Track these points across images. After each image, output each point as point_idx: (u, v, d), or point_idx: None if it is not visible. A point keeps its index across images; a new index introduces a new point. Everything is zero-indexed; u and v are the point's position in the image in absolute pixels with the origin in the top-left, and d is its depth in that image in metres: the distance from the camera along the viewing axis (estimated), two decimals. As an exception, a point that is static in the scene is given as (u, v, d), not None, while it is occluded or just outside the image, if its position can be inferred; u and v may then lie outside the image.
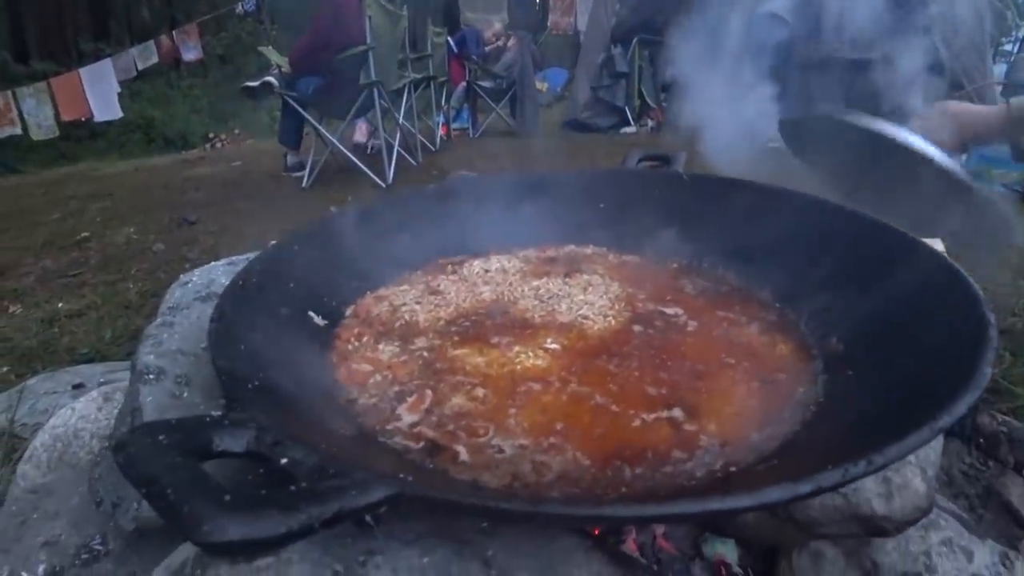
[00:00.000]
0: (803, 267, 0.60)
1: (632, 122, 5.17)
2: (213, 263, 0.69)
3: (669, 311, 0.59)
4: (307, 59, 3.01)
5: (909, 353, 0.41)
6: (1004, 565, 0.55)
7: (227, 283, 0.60)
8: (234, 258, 0.69)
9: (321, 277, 0.65)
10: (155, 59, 6.74)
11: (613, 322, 0.57)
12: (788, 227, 0.65)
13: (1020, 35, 4.11)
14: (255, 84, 3.05)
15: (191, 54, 6.82)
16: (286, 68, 3.14)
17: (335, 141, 3.18)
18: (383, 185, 3.12)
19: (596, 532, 0.41)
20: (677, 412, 0.42)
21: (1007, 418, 0.80)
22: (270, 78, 3.03)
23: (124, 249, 2.48)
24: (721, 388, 0.46)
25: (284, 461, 0.28)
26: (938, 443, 0.55)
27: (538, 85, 5.93)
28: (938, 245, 0.96)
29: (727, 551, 0.57)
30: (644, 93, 5.32)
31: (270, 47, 3.59)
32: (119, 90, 6.25)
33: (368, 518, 0.35)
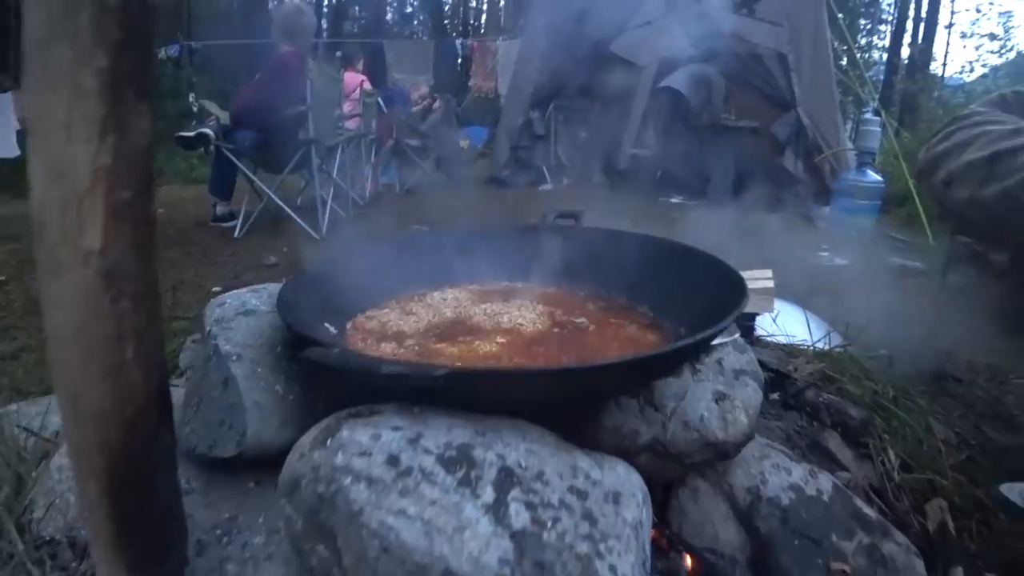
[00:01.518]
0: (666, 287, 0.88)
1: (549, 180, 5.60)
2: (236, 290, 0.85)
3: (578, 320, 0.85)
4: (249, 113, 3.13)
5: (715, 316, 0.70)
6: (811, 476, 0.81)
7: (257, 303, 0.79)
8: (256, 286, 0.86)
9: (325, 300, 0.85)
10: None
11: (540, 326, 0.83)
12: (655, 262, 0.94)
13: (870, 109, 5.01)
14: (190, 134, 3.13)
15: (106, 99, 6.56)
16: (225, 120, 3.24)
17: (271, 193, 3.30)
18: (317, 237, 3.24)
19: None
20: None
21: (829, 396, 1.11)
22: (206, 129, 3.12)
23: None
24: (607, 353, 0.75)
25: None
26: (757, 395, 0.81)
27: (461, 143, 6.30)
28: (767, 273, 1.29)
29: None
30: (559, 153, 5.83)
31: (209, 100, 3.67)
32: (18, 127, 5.90)
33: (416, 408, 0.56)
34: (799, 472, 0.80)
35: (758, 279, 1.25)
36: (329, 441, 0.51)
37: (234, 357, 0.67)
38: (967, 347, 1.56)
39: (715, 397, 0.76)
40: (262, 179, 3.47)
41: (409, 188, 5.24)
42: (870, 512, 0.78)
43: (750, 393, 0.79)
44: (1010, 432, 1.18)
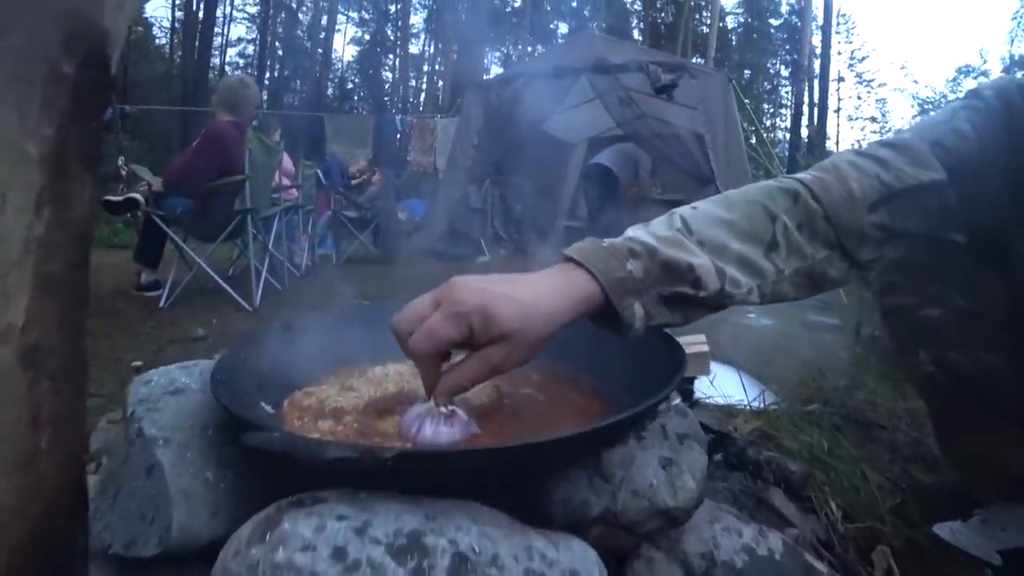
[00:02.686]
0: (605, 356, 0.90)
1: (486, 251, 5.71)
2: (165, 367, 0.80)
3: (524, 391, 0.85)
4: (183, 181, 3.06)
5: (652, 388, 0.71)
6: (761, 536, 0.82)
7: (187, 380, 0.74)
8: (187, 363, 0.82)
9: (260, 377, 0.81)
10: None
11: (486, 399, 0.81)
12: (594, 331, 0.96)
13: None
14: (118, 199, 3.00)
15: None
16: (157, 187, 3.14)
17: (201, 262, 3.17)
18: (249, 309, 3.12)
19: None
20: None
21: (770, 452, 1.15)
22: (136, 195, 3.01)
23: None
24: (556, 423, 0.74)
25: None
26: (703, 459, 0.83)
27: (400, 215, 6.36)
28: (701, 338, 1.36)
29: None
30: (496, 226, 5.99)
31: (139, 165, 3.56)
32: None
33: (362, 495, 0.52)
34: (749, 533, 0.81)
35: (693, 344, 1.31)
36: (268, 535, 0.47)
37: (160, 442, 0.63)
38: (886, 395, 1.67)
39: (662, 463, 0.77)
40: (193, 248, 3.35)
41: (347, 259, 5.18)
42: (820, 567, 0.80)
43: (696, 456, 0.80)
44: (933, 472, 1.26)
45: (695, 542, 0.80)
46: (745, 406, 1.40)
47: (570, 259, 0.60)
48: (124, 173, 3.34)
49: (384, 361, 0.97)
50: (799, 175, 0.72)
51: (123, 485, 0.62)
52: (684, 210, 0.68)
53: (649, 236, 0.62)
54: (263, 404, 0.75)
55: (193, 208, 3.09)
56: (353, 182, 5.72)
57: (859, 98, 21.82)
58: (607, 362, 0.89)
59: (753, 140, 6.39)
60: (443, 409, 0.65)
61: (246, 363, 0.81)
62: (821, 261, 0.67)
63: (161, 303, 3.11)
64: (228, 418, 0.61)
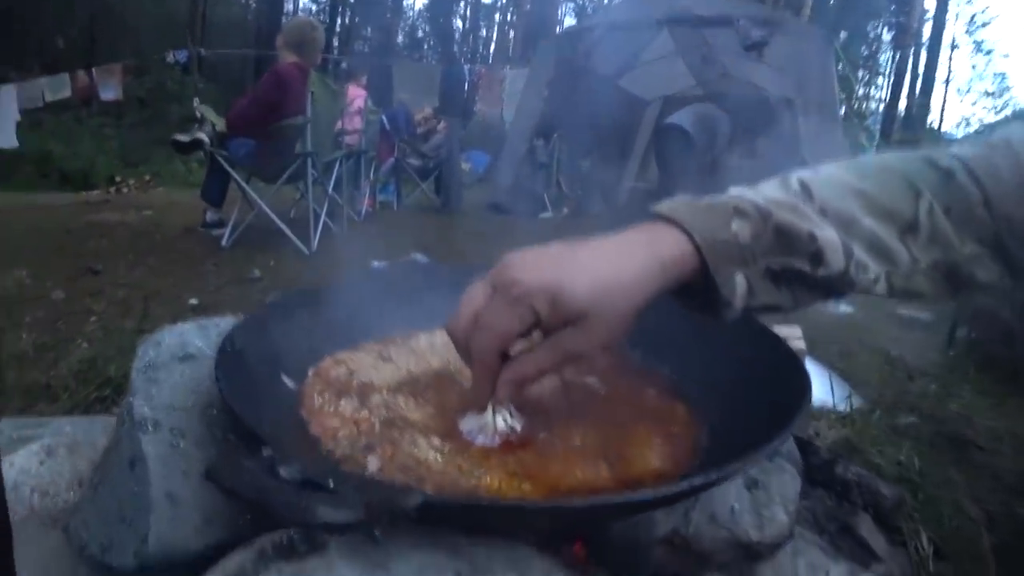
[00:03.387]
0: (689, 348, 0.76)
1: (549, 208, 5.55)
2: (180, 324, 0.74)
3: (588, 379, 0.72)
4: (246, 123, 3.06)
5: (760, 408, 0.58)
6: (852, 578, 0.70)
7: (202, 344, 0.67)
8: (202, 320, 0.75)
9: (289, 344, 0.73)
10: (68, 93, 6.37)
11: (543, 386, 0.68)
12: (677, 314, 0.83)
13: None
14: (186, 139, 3.04)
15: (110, 93, 6.51)
16: (221, 128, 3.16)
17: (262, 204, 3.20)
18: (306, 252, 3.14)
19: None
20: (603, 463, 0.54)
21: (858, 469, 1.00)
22: (202, 135, 3.04)
23: (15, 294, 2.28)
24: (633, 437, 0.59)
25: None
26: (795, 483, 0.70)
27: (463, 166, 6.26)
28: (796, 331, 1.19)
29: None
30: (561, 183, 5.79)
31: (207, 106, 3.60)
32: (19, 119, 5.81)
33: (378, 533, 0.42)
34: (837, 572, 0.69)
35: (787, 338, 1.15)
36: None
37: (149, 426, 0.53)
38: (984, 411, 1.46)
39: (747, 484, 0.66)
40: (256, 189, 3.38)
41: (407, 207, 5.17)
42: None
43: (787, 480, 0.68)
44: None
45: None
46: (829, 410, 1.23)
47: (658, 217, 0.49)
48: (199, 115, 3.38)
49: (434, 329, 0.85)
50: (955, 149, 0.56)
51: (107, 474, 0.54)
52: (802, 172, 0.54)
53: (758, 196, 0.50)
54: (284, 377, 0.67)
55: (254, 150, 3.09)
56: (418, 130, 5.64)
57: (973, 68, 19.46)
58: (689, 355, 0.75)
59: (842, 111, 5.80)
60: (503, 422, 0.55)
61: (272, 327, 0.73)
62: (969, 258, 0.53)
63: (223, 242, 3.18)
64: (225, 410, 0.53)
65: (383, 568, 0.40)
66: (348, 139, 3.95)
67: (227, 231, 3.22)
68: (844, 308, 2.71)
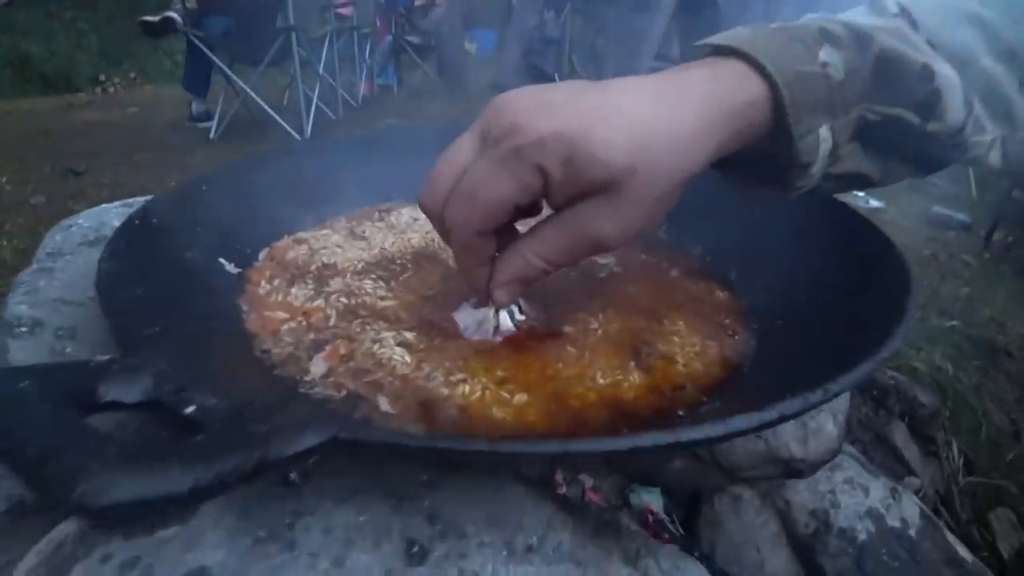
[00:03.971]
0: (731, 227, 0.61)
1: (561, 88, 5.15)
2: (104, 205, 0.61)
3: (603, 261, 0.58)
4: (215, -5, 2.73)
5: (834, 299, 0.43)
6: (893, 498, 0.60)
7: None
8: (130, 200, 0.61)
9: (234, 222, 0.59)
10: (32, -17, 5.86)
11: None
12: (716, 187, 0.66)
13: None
14: (154, 19, 2.74)
15: (78, -19, 5.97)
16: (192, 4, 2.83)
17: (247, 89, 2.94)
18: (299, 139, 2.95)
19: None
20: (632, 366, 0.41)
21: (895, 373, 0.89)
22: (172, 13, 2.73)
23: (-6, 200, 2.18)
24: (667, 330, 0.46)
25: (191, 410, 0.24)
26: (847, 394, 0.59)
27: (467, 46, 5.76)
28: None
29: (653, 499, 0.59)
30: (574, 61, 5.31)
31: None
32: (-12, 16, 5.38)
33: (294, 475, 0.32)
34: (878, 491, 0.59)
35: None
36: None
37: (23, 328, 0.41)
38: (1018, 318, 1.34)
39: None
40: (241, 74, 3.10)
41: (408, 90, 4.81)
42: (966, 555, 0.57)
43: None
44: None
45: (806, 493, 0.58)
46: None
47: (713, 50, 0.35)
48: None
49: (417, 200, 0.73)
50: None
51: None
52: None
53: (850, 19, 0.36)
54: (222, 260, 0.54)
55: (231, 27, 2.78)
56: (416, 3, 5.11)
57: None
58: (728, 231, 0.59)
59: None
60: (507, 319, 0.42)
61: (213, 200, 0.59)
62: None
63: (211, 135, 2.98)
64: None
65: (278, 538, 0.28)
66: (341, 10, 3.56)
67: (214, 123, 3.01)
68: (874, 203, 2.49)
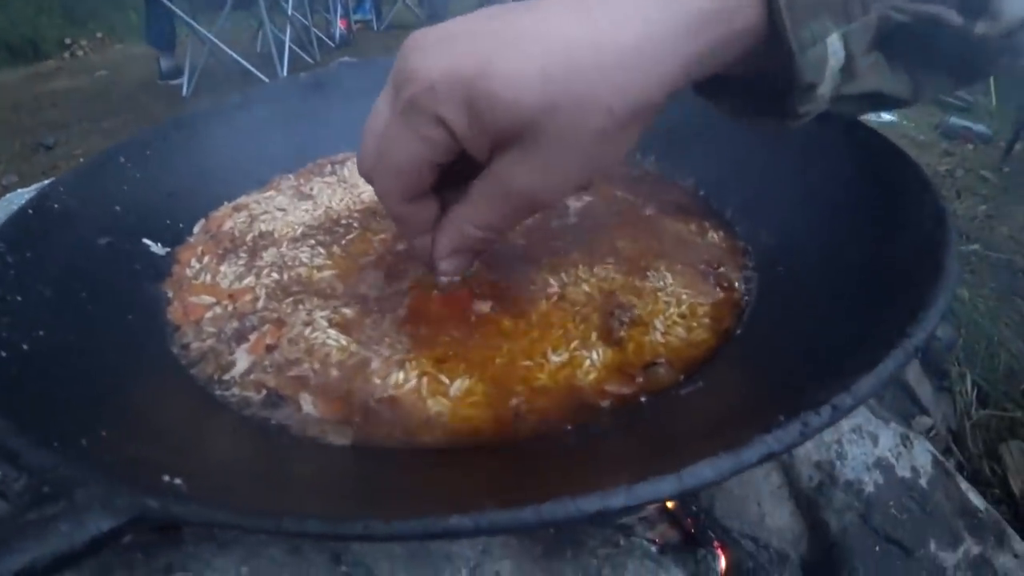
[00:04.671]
0: (729, 154, 0.53)
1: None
2: (19, 190, 0.54)
3: (574, 203, 0.51)
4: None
5: (848, 250, 0.36)
6: (904, 446, 0.56)
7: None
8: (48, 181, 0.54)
9: (161, 195, 0.53)
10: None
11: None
12: (712, 111, 0.58)
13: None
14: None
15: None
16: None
17: (213, 39, 2.77)
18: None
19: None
20: (596, 337, 0.35)
21: None
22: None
23: (-37, 184, 2.11)
24: (650, 286, 0.39)
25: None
26: None
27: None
28: None
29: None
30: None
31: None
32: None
33: None
34: (888, 439, 0.54)
35: None
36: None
37: None
38: None
39: None
40: (205, 23, 2.91)
41: (388, 26, 4.54)
42: (979, 503, 0.53)
43: None
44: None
45: (810, 444, 0.54)
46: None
47: None
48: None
49: None
50: None
51: None
52: None
53: None
54: (147, 241, 0.48)
55: (188, -31, 2.59)
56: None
57: None
58: (724, 159, 0.51)
59: None
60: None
61: (134, 172, 0.52)
62: None
63: (184, 92, 2.83)
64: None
65: None
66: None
67: (184, 79, 2.86)
68: (886, 117, 2.33)
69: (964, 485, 0.54)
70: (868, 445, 0.53)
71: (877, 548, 0.49)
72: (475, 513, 0.16)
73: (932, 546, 0.49)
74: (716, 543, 0.50)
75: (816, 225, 0.40)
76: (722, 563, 0.49)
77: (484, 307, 0.36)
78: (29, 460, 0.19)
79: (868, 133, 0.43)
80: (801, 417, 0.19)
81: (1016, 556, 0.50)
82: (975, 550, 0.50)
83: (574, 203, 0.51)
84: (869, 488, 0.51)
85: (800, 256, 0.39)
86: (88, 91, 3.39)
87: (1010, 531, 0.51)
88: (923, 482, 0.52)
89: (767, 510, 0.54)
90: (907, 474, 0.52)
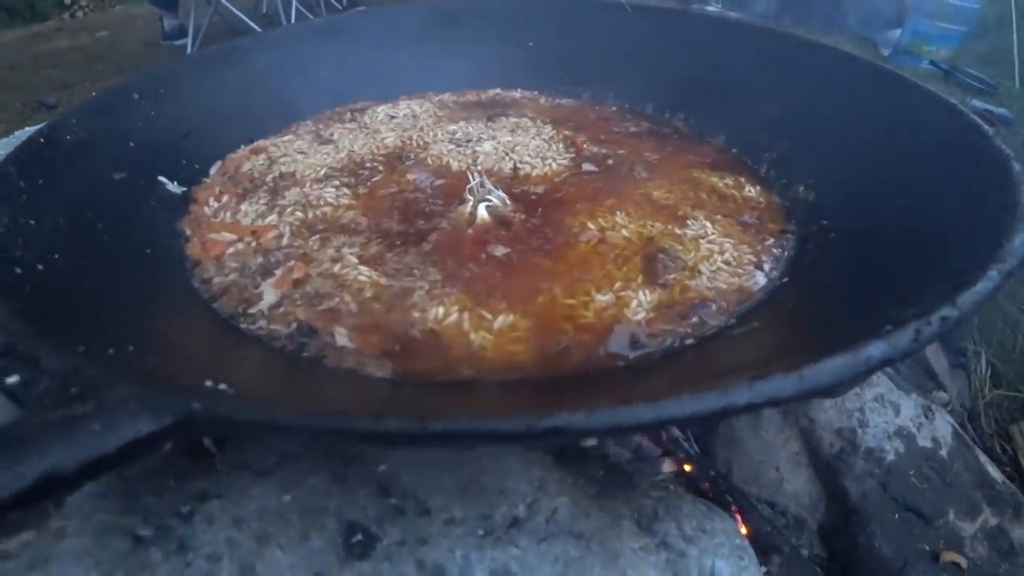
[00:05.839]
0: (762, 109, 0.51)
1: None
2: (28, 128, 0.52)
3: (618, 150, 0.49)
4: None
5: (896, 197, 0.34)
6: (925, 417, 0.55)
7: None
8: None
9: (178, 135, 0.51)
10: None
11: (554, 165, 0.46)
12: (744, 65, 0.56)
13: None
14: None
15: None
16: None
17: (219, -3, 2.69)
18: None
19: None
20: (641, 279, 0.34)
21: None
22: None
23: (-39, 140, 2.06)
24: (696, 234, 0.38)
25: (13, 380, 0.18)
26: None
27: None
28: None
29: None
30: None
31: None
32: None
33: (208, 442, 0.25)
34: (909, 409, 0.54)
35: None
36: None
37: None
38: None
39: None
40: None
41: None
42: (997, 476, 0.53)
43: None
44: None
45: (832, 411, 0.53)
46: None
47: None
48: None
49: (396, 96, 0.64)
50: None
51: None
52: None
53: None
54: (163, 179, 0.46)
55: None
56: None
57: None
58: (760, 110, 0.50)
59: None
60: (482, 212, 0.35)
61: (147, 110, 0.50)
62: None
63: (188, 51, 2.76)
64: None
65: (168, 536, 0.21)
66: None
67: (189, 39, 2.78)
68: None
69: (983, 458, 0.53)
70: (890, 414, 0.52)
71: (896, 516, 0.49)
72: (586, 411, 0.15)
73: (951, 515, 0.49)
74: (734, 507, 0.50)
75: (858, 177, 0.39)
76: (740, 527, 0.48)
77: (526, 247, 0.34)
78: (51, 364, 0.17)
79: (903, 83, 0.42)
80: (913, 324, 0.18)
81: (1033, 528, 0.49)
82: (992, 521, 0.49)
83: (598, 149, 0.49)
84: (890, 456, 0.50)
85: (846, 209, 0.37)
86: (89, 51, 3.30)
87: (1028, 504, 0.51)
88: (943, 453, 0.52)
89: (785, 475, 0.54)
90: (928, 444, 0.52)
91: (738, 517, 0.49)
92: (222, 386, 0.17)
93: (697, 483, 0.49)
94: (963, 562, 0.48)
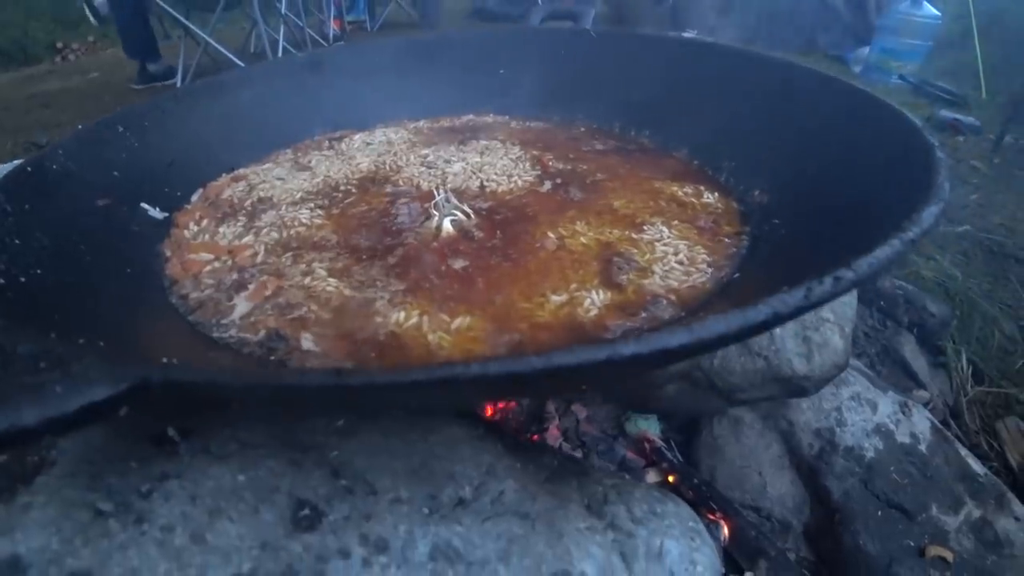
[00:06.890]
0: (720, 122, 0.54)
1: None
2: (15, 161, 0.54)
3: (583, 166, 0.51)
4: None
5: (839, 191, 0.36)
6: (903, 413, 0.56)
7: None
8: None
9: (161, 163, 0.53)
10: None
11: (519, 182, 0.48)
12: (703, 82, 0.59)
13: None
14: None
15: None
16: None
17: (208, 38, 2.76)
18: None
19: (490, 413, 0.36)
20: (597, 282, 0.35)
21: (903, 282, 0.84)
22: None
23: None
24: (652, 238, 0.40)
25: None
26: (853, 299, 0.54)
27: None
28: None
29: (650, 426, 0.55)
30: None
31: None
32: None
33: (172, 431, 0.26)
34: (887, 406, 0.55)
35: None
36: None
37: None
38: None
39: None
40: (198, 21, 2.90)
41: (383, 26, 4.54)
42: (978, 468, 0.53)
43: (846, 299, 0.51)
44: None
45: (810, 412, 0.54)
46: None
47: None
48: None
49: (372, 124, 0.66)
50: None
51: None
52: None
53: None
54: (145, 206, 0.47)
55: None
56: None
57: None
58: (718, 124, 0.53)
59: None
60: (447, 225, 0.36)
61: (131, 141, 0.52)
62: None
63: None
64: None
65: (127, 510, 0.23)
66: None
67: (178, 79, 2.83)
68: None
69: (963, 451, 0.54)
70: (867, 412, 0.53)
71: (879, 513, 0.49)
72: (481, 363, 0.16)
73: (934, 509, 0.49)
74: (718, 514, 0.50)
75: (807, 176, 0.41)
76: (724, 533, 0.49)
77: (487, 255, 0.35)
78: (27, 349, 0.18)
79: (848, 89, 0.44)
80: (806, 284, 0.20)
81: (1017, 519, 0.50)
82: (976, 513, 0.50)
83: (564, 166, 0.51)
84: (870, 454, 0.51)
85: (794, 207, 0.39)
86: (80, 91, 3.35)
87: (1010, 495, 0.51)
88: (923, 448, 0.52)
89: (768, 479, 0.54)
90: (907, 440, 0.52)
91: (722, 523, 0.49)
92: (175, 360, 0.18)
93: (681, 492, 0.50)
94: (949, 556, 0.48)
